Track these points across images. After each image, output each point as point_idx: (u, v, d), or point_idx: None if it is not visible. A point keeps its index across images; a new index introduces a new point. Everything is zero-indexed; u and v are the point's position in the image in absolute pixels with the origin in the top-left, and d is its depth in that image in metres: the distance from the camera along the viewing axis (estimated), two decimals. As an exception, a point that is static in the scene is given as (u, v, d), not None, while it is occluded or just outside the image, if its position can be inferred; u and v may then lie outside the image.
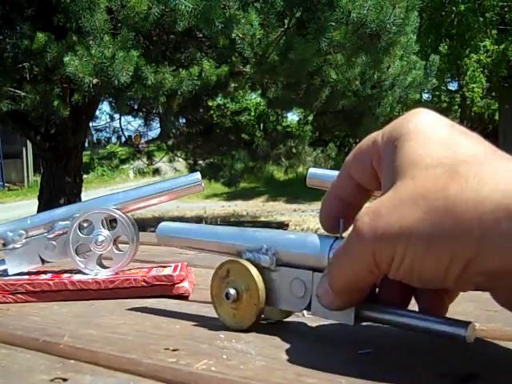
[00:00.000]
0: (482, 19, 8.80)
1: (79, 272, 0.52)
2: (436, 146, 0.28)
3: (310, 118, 7.80)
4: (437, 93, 10.07)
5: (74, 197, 4.46)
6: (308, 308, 0.34)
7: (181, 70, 3.51)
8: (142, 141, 7.84)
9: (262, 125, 8.06)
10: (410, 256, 0.27)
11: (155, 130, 6.67)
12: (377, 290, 0.33)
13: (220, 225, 0.43)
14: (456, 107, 10.44)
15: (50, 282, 0.49)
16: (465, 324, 0.28)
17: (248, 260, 0.37)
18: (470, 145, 0.28)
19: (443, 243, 0.26)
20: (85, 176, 5.76)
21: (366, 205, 0.31)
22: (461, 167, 0.26)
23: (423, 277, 0.27)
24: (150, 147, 7.62)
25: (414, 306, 0.32)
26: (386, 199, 0.28)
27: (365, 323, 0.33)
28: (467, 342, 0.28)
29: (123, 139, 7.69)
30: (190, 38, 4.02)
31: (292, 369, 0.29)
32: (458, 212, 0.25)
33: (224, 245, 0.39)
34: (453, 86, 10.63)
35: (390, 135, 0.30)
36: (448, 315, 0.30)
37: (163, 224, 0.43)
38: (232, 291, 0.36)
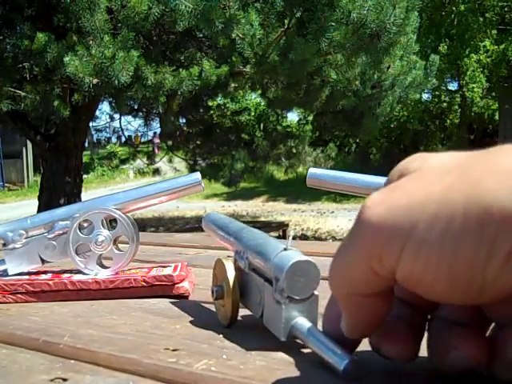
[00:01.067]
0: (481, 19, 8.80)
1: (79, 272, 0.52)
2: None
3: (310, 118, 7.80)
4: (437, 93, 10.07)
5: (73, 197, 4.46)
6: (262, 316, 0.35)
7: (181, 70, 3.51)
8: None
9: (261, 125, 8.07)
10: (436, 249, 0.22)
11: (155, 130, 6.68)
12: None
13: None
14: (456, 107, 10.44)
15: (50, 282, 0.49)
16: (346, 358, 0.26)
17: (235, 260, 0.38)
18: None
19: (489, 213, 0.20)
20: (85, 176, 5.76)
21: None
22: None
23: (454, 270, 0.22)
24: (150, 147, 7.63)
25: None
26: (403, 179, 0.24)
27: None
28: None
29: (123, 139, 7.70)
30: (190, 38, 4.02)
31: (292, 369, 0.29)
32: (504, 169, 0.21)
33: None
34: (453, 86, 10.64)
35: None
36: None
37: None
38: (215, 288, 0.38)
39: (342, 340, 0.28)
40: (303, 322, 0.31)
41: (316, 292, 0.32)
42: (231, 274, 0.37)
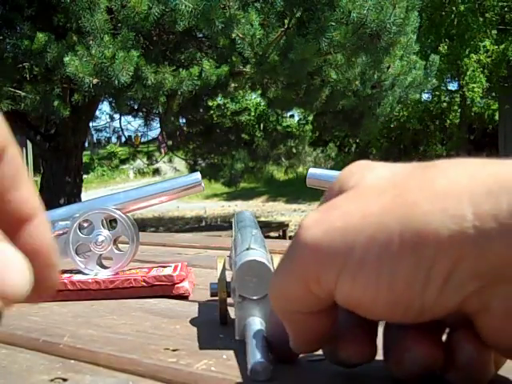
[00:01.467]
0: (481, 19, 8.80)
1: (79, 272, 0.52)
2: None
3: (310, 118, 7.81)
4: (437, 93, 10.07)
5: (73, 197, 4.47)
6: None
7: (181, 70, 3.51)
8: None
9: (262, 125, 8.07)
10: (374, 261, 0.21)
11: (155, 130, 6.68)
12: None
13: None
14: (456, 107, 10.44)
15: (50, 282, 0.49)
16: (257, 359, 0.26)
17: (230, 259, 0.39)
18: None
19: (423, 237, 0.20)
20: (85, 176, 5.76)
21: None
22: (434, 162, 0.23)
23: (392, 294, 0.21)
24: (150, 147, 7.63)
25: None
26: (340, 196, 0.24)
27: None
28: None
29: (123, 139, 7.70)
30: (190, 37, 4.03)
31: (292, 369, 0.29)
32: (439, 189, 0.21)
33: None
34: (453, 86, 10.64)
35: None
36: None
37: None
38: (211, 286, 0.38)
39: (284, 346, 0.27)
40: (252, 323, 0.30)
41: None
42: (219, 272, 0.37)
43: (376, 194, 0.22)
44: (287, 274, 0.24)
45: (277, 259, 0.38)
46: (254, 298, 0.31)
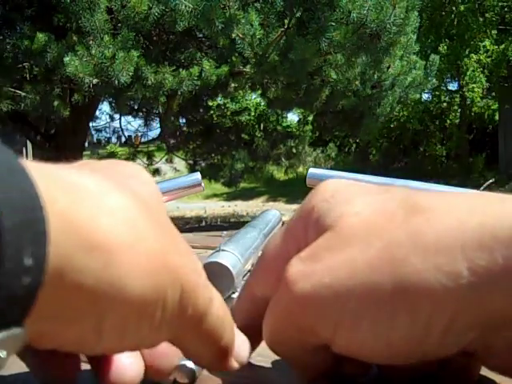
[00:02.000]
0: (481, 19, 8.81)
1: None
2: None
3: (310, 118, 7.81)
4: (437, 93, 10.07)
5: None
6: None
7: (181, 70, 3.51)
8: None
9: (262, 125, 8.07)
10: (369, 313, 0.21)
11: (155, 130, 6.68)
12: None
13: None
14: (456, 107, 10.44)
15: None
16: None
17: None
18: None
19: (418, 295, 0.20)
20: (85, 176, 5.74)
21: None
22: (416, 197, 0.22)
23: (391, 349, 0.21)
24: (150, 147, 7.63)
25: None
26: (321, 241, 0.22)
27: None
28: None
29: (123, 139, 7.70)
30: (190, 38, 4.03)
31: (292, 369, 0.29)
32: (429, 244, 0.20)
33: None
34: (453, 86, 10.65)
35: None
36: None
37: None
38: None
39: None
40: None
41: (234, 295, 0.31)
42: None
43: (359, 244, 0.21)
44: (278, 326, 0.24)
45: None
46: None
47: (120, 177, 0.21)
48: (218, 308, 0.21)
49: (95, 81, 3.17)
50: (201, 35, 3.93)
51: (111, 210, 0.17)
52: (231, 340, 0.23)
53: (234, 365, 0.23)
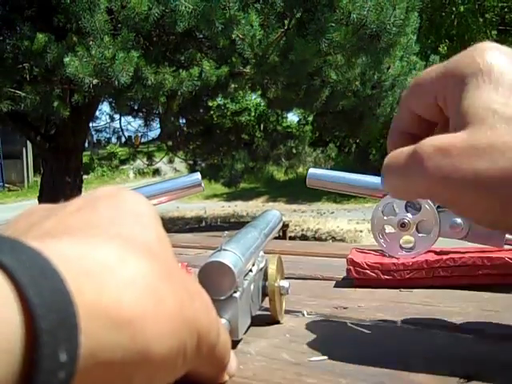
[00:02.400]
0: (481, 20, 8.81)
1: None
2: None
3: (310, 118, 7.81)
4: (437, 93, 10.07)
5: (73, 197, 4.45)
6: None
7: (181, 70, 3.51)
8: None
9: (262, 125, 8.07)
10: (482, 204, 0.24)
11: (155, 131, 6.67)
12: None
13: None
14: (456, 108, 10.43)
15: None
16: None
17: None
18: None
19: None
20: (85, 176, 5.76)
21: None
22: None
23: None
24: (150, 147, 7.63)
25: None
26: (457, 141, 0.25)
27: (369, 323, 0.33)
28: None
29: (123, 140, 7.70)
30: (190, 38, 4.03)
31: (292, 369, 0.29)
32: None
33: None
34: (453, 87, 10.63)
35: (457, 72, 0.27)
36: (446, 315, 0.30)
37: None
38: None
39: None
40: None
41: (236, 294, 0.31)
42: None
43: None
44: (403, 186, 0.27)
45: (274, 259, 0.37)
46: (216, 298, 0.30)
47: (124, 229, 0.21)
48: (223, 335, 0.24)
49: (95, 81, 3.17)
50: (201, 36, 3.93)
51: (132, 280, 0.18)
52: (229, 357, 0.26)
53: (226, 378, 0.26)
